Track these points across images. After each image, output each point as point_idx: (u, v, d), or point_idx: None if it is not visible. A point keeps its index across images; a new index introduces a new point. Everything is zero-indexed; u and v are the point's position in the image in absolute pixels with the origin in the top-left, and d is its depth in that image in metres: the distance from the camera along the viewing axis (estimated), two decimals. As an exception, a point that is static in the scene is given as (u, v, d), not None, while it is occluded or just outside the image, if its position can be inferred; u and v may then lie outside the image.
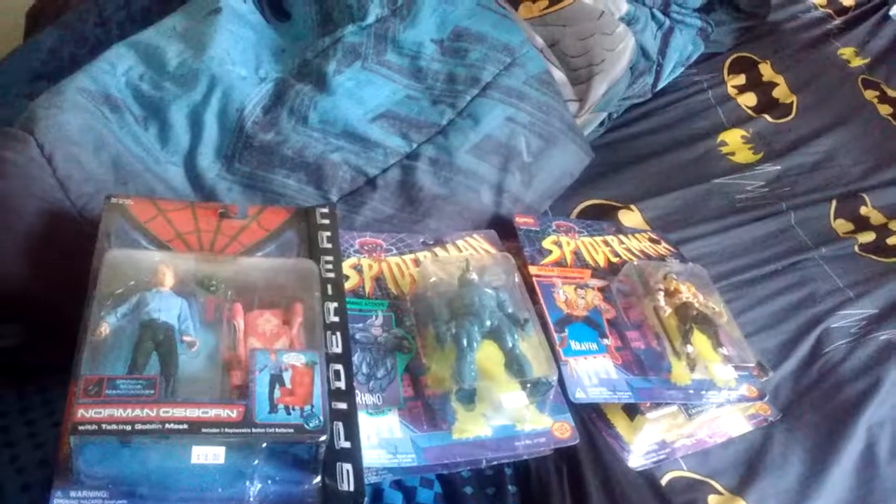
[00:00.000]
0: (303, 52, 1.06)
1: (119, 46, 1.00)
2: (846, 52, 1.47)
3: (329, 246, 0.82)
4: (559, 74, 1.16)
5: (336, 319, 0.75)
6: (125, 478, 0.59)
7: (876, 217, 1.18)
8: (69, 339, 0.68)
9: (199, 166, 0.93)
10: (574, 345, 0.84)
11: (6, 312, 0.81)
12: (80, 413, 0.58)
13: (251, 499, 0.62)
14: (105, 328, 0.65)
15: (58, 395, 0.76)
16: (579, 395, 0.79)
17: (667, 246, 1.03)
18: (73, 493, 0.59)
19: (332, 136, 0.97)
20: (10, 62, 1.19)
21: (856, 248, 1.12)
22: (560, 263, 0.93)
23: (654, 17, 1.30)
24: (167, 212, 0.80)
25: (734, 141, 1.26)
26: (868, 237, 1.14)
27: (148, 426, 0.58)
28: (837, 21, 1.52)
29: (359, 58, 1.04)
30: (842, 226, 1.16)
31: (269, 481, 0.62)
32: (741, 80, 1.37)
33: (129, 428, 0.58)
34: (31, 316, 0.82)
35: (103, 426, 0.58)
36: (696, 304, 0.87)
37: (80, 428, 0.57)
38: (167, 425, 0.59)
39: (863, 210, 1.18)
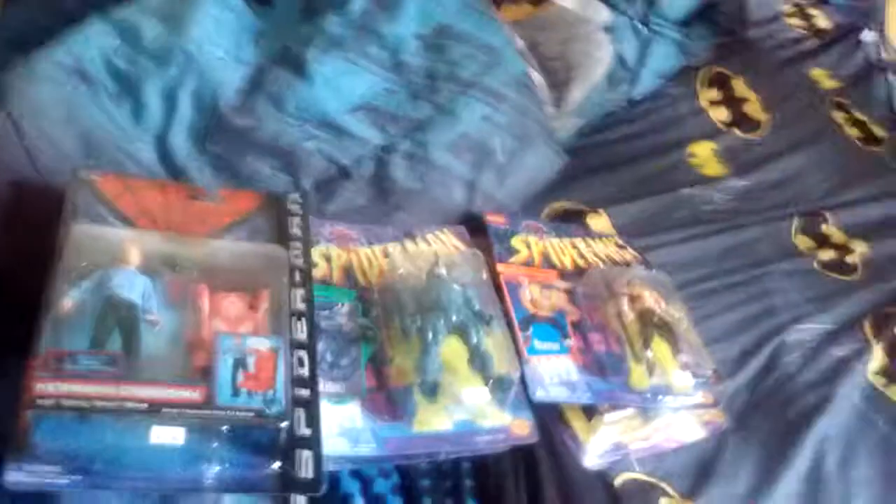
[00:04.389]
0: (283, 38, 1.06)
1: (95, 20, 0.99)
2: (818, 73, 1.50)
3: (299, 233, 0.82)
4: (538, 77, 1.17)
5: (302, 307, 0.75)
6: (81, 453, 0.59)
7: (837, 236, 1.21)
8: (29, 314, 0.67)
9: (171, 145, 0.92)
10: (537, 344, 0.84)
11: (-34, 284, 0.80)
12: (39, 387, 0.57)
13: (208, 481, 0.62)
14: (67, 303, 0.64)
15: (14, 371, 0.75)
16: (540, 394, 0.79)
17: (632, 252, 1.04)
18: (26, 467, 0.58)
19: (308, 124, 0.97)
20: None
21: (815, 265, 1.15)
22: (528, 263, 0.94)
23: (633, 27, 1.32)
24: (136, 189, 0.79)
25: (704, 153, 1.28)
26: (828, 255, 1.16)
27: (107, 404, 0.58)
28: (812, 42, 1.55)
29: (340, 48, 1.04)
30: (803, 242, 1.18)
31: (228, 464, 0.62)
32: (714, 94, 1.39)
33: (87, 405, 0.57)
34: (-8, 288, 0.80)
35: (61, 401, 0.57)
36: (658, 311, 0.88)
37: (38, 402, 0.57)
38: (127, 404, 0.58)
39: (824, 228, 1.21)
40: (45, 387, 0.58)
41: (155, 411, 0.59)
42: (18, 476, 0.57)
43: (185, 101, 0.94)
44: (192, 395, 0.60)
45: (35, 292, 0.68)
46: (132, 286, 0.66)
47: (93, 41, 0.95)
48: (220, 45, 1.00)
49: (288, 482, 0.63)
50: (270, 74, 0.99)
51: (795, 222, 1.20)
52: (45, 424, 0.58)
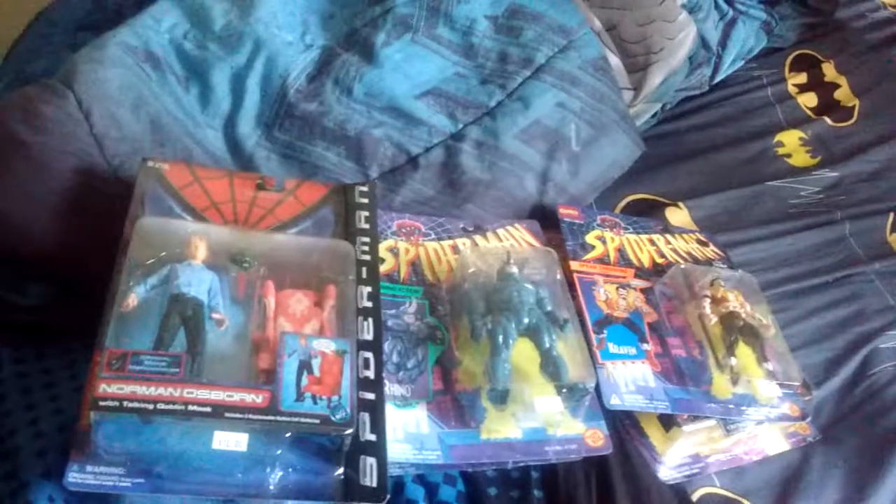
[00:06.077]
0: (351, 20, 1.03)
1: (164, 1, 0.97)
2: (914, 57, 1.40)
3: (366, 226, 0.79)
4: (615, 60, 1.11)
5: (369, 305, 0.72)
6: (144, 456, 0.58)
7: (935, 234, 1.12)
8: (94, 302, 0.66)
9: (238, 132, 0.91)
10: (612, 348, 0.80)
11: (32, 270, 0.80)
12: (102, 388, 0.56)
13: (271, 486, 0.60)
14: (133, 299, 0.62)
15: (80, 358, 0.75)
16: (615, 402, 0.75)
17: (715, 249, 0.98)
18: (89, 468, 0.57)
19: (375, 110, 0.94)
20: (54, 11, 1.17)
21: (911, 266, 1.07)
22: (603, 260, 0.90)
23: (717, 6, 1.24)
24: (203, 179, 0.77)
25: (792, 142, 1.20)
26: (925, 255, 1.08)
27: (170, 406, 0.56)
28: (907, 23, 1.45)
29: (409, 30, 1.01)
30: (898, 241, 1.11)
31: (290, 469, 0.60)
32: (802, 78, 1.31)
33: (150, 407, 0.56)
34: (57, 275, 0.80)
35: (124, 403, 0.56)
36: (743, 315, 0.83)
37: (101, 403, 0.55)
38: (190, 407, 0.57)
39: (921, 226, 1.13)
40: (108, 387, 0.56)
41: (218, 416, 0.57)
42: (81, 477, 0.56)
43: (253, 87, 0.92)
44: (255, 398, 0.58)
45: (100, 282, 0.67)
46: (199, 283, 0.65)
47: (162, 23, 0.94)
48: (288, 29, 0.98)
49: (351, 490, 0.61)
50: (338, 59, 0.96)
51: (890, 218, 1.12)
52: (108, 425, 0.57)
